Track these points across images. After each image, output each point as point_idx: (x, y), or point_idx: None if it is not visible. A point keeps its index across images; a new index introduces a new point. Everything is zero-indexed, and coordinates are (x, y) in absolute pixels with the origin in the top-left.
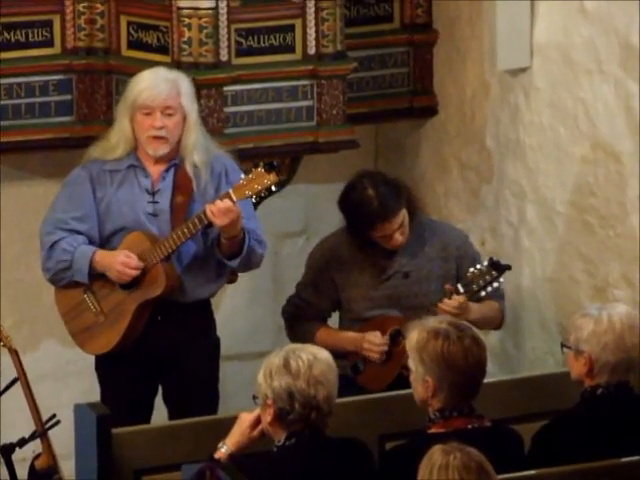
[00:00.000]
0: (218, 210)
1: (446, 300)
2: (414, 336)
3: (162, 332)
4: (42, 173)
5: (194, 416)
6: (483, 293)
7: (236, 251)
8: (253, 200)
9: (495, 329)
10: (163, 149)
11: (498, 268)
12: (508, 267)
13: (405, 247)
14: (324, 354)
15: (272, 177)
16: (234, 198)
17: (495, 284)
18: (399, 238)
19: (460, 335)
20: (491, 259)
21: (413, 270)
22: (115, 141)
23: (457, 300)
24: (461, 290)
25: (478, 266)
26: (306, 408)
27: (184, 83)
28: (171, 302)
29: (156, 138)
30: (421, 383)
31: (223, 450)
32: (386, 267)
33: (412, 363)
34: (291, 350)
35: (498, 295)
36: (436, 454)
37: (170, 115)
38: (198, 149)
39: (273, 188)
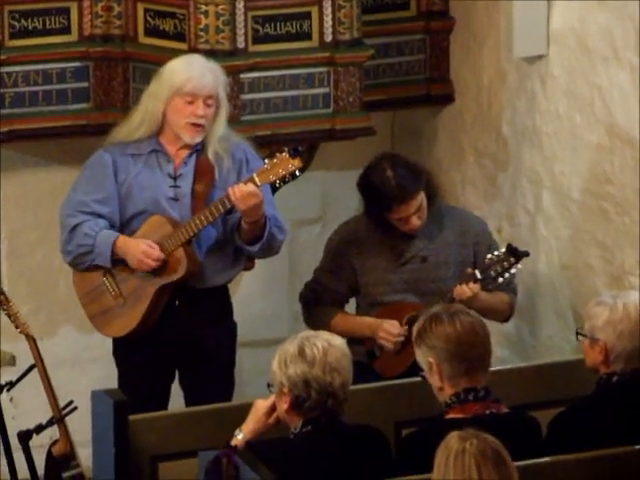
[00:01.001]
0: (241, 193)
1: (464, 286)
2: (414, 329)
3: (180, 317)
4: (59, 160)
5: (210, 401)
6: (501, 279)
7: (256, 236)
8: (277, 185)
9: (501, 322)
10: (199, 137)
11: (516, 254)
12: (526, 253)
13: (424, 232)
14: (338, 341)
15: (297, 162)
16: (258, 182)
17: (513, 270)
18: (416, 222)
19: (452, 314)
20: (509, 245)
21: (431, 255)
22: (138, 122)
23: (471, 289)
24: (478, 276)
25: (496, 252)
26: (322, 395)
27: (222, 74)
28: (189, 288)
29: (195, 125)
30: (428, 369)
31: (240, 437)
32: (404, 251)
33: (417, 354)
34: (305, 338)
35: (510, 289)
36: (452, 440)
37: (209, 105)
38: (220, 138)
39: (297, 173)
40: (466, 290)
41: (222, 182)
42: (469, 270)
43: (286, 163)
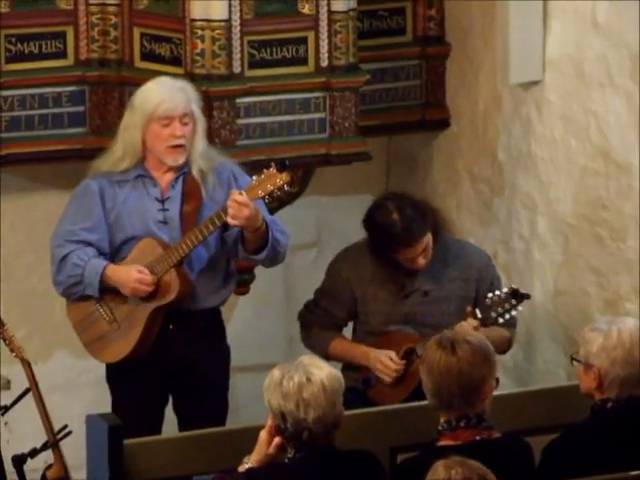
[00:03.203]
0: (232, 208)
1: (463, 323)
2: None
3: (173, 341)
4: (55, 184)
5: (203, 425)
6: (501, 320)
7: (261, 244)
8: (266, 200)
9: (499, 354)
10: (182, 157)
11: (517, 296)
12: (527, 296)
13: (427, 266)
14: (320, 375)
15: (284, 176)
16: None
17: (513, 312)
18: (422, 261)
19: (441, 347)
20: (511, 287)
21: (433, 289)
22: (121, 153)
23: (472, 325)
24: (479, 315)
25: (497, 292)
26: (297, 428)
27: (192, 91)
28: (183, 310)
29: (175, 147)
30: None
31: (247, 466)
32: (406, 284)
33: None
34: (288, 369)
35: (510, 323)
36: (438, 470)
37: (186, 124)
38: (203, 155)
39: (286, 187)
40: (466, 326)
41: (209, 199)
42: (469, 309)
43: (274, 178)
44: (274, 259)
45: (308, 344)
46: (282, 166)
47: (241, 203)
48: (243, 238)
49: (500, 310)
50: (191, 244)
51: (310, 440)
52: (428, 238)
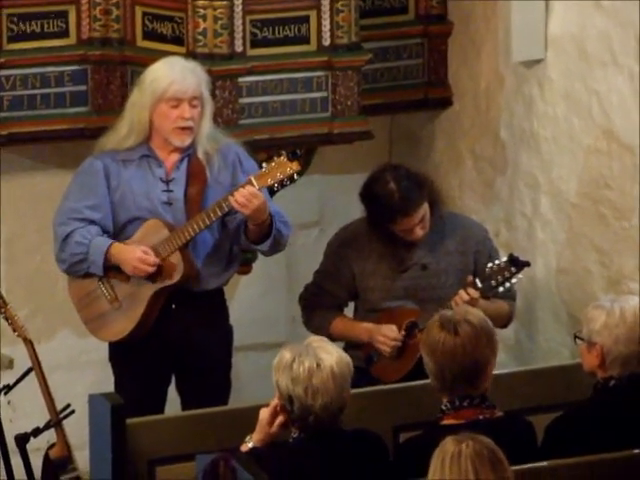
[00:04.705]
0: (243, 198)
1: (461, 292)
2: None
3: (176, 321)
4: (57, 163)
5: (206, 404)
6: (501, 289)
7: (264, 235)
8: (275, 188)
9: (500, 328)
10: (189, 139)
11: (517, 264)
12: (527, 264)
13: (425, 240)
14: (330, 360)
15: (295, 165)
16: (256, 186)
17: (513, 280)
18: (419, 232)
19: (444, 327)
20: (511, 255)
21: (431, 262)
22: (126, 131)
23: (471, 295)
24: (479, 285)
25: (497, 262)
26: (304, 412)
27: (202, 73)
28: (185, 291)
29: (183, 129)
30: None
31: (249, 445)
32: (405, 258)
33: None
34: (299, 352)
35: (510, 296)
36: (448, 443)
37: (195, 106)
38: (209, 136)
39: (295, 177)
40: (464, 295)
41: (214, 180)
42: (469, 278)
43: (284, 166)
44: (275, 249)
45: (310, 327)
46: (293, 155)
47: (253, 194)
48: (246, 228)
49: (500, 279)
50: (197, 228)
51: (316, 423)
52: (425, 208)
